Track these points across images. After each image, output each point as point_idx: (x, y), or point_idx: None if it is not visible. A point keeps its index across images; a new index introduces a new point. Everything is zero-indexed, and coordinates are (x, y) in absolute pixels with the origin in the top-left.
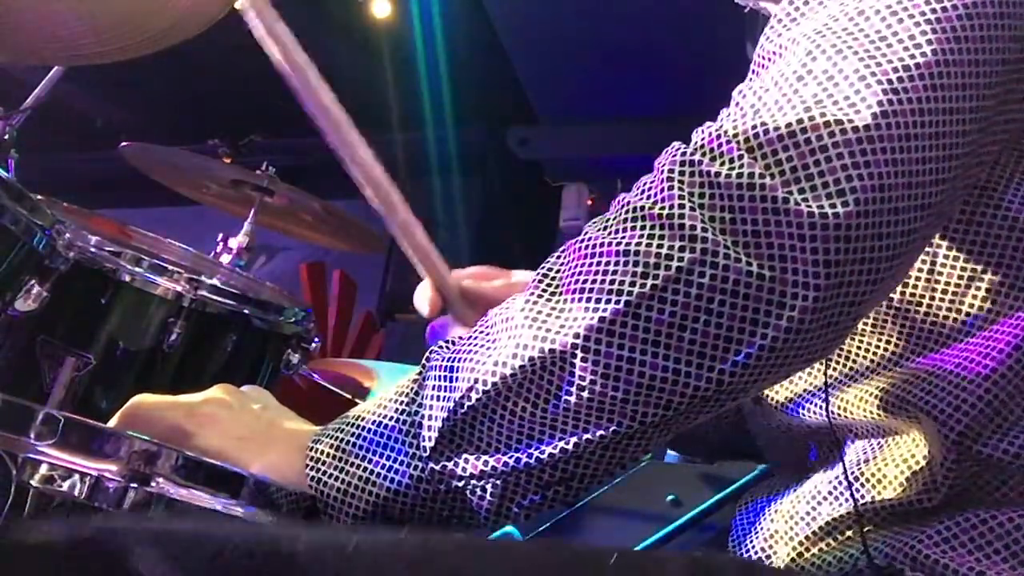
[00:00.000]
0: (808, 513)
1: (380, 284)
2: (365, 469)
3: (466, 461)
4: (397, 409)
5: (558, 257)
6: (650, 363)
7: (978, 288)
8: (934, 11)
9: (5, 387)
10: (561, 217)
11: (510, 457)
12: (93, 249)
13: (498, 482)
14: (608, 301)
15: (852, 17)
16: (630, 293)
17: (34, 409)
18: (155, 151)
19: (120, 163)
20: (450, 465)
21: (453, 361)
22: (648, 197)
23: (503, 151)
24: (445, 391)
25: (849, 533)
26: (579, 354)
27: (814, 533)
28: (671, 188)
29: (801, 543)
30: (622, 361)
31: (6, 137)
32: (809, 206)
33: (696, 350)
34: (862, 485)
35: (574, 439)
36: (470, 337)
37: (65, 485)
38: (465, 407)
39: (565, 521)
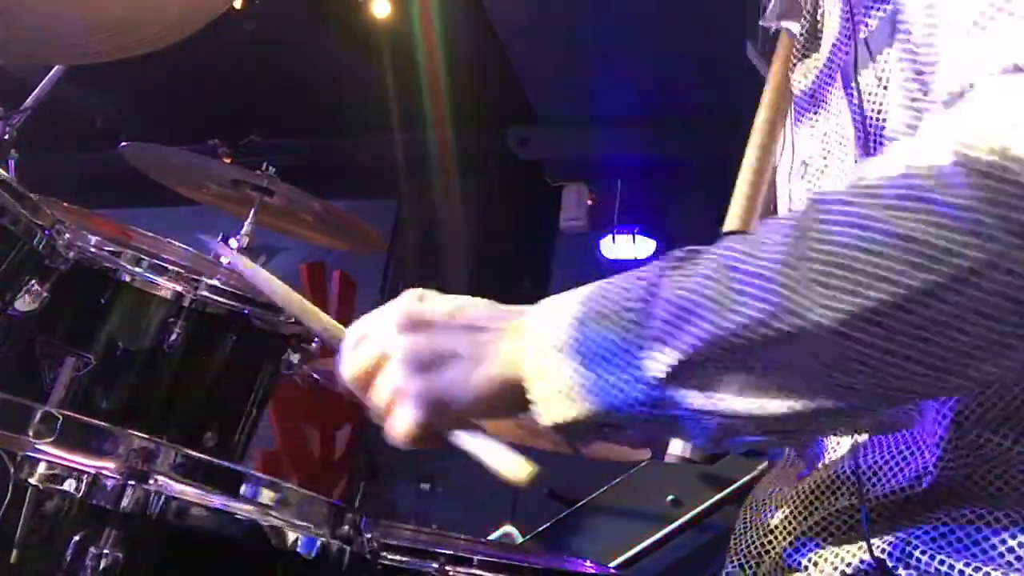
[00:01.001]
0: (806, 507)
1: (380, 284)
2: (577, 378)
3: (694, 397)
4: (620, 323)
5: (803, 214)
6: (903, 365)
7: None
8: None
9: (5, 387)
10: (561, 217)
11: (740, 406)
12: (93, 249)
13: (723, 421)
14: (882, 286)
15: None
16: (911, 281)
17: (32, 407)
18: (155, 151)
19: (120, 163)
20: (677, 397)
21: (690, 298)
22: (931, 180)
23: (503, 151)
24: (682, 327)
25: (845, 528)
26: (839, 340)
27: (811, 528)
28: (959, 176)
29: (797, 538)
30: (876, 352)
31: (6, 137)
32: None
33: (960, 354)
34: (860, 477)
35: (808, 405)
36: (713, 274)
37: (63, 483)
38: (705, 354)
39: (565, 521)
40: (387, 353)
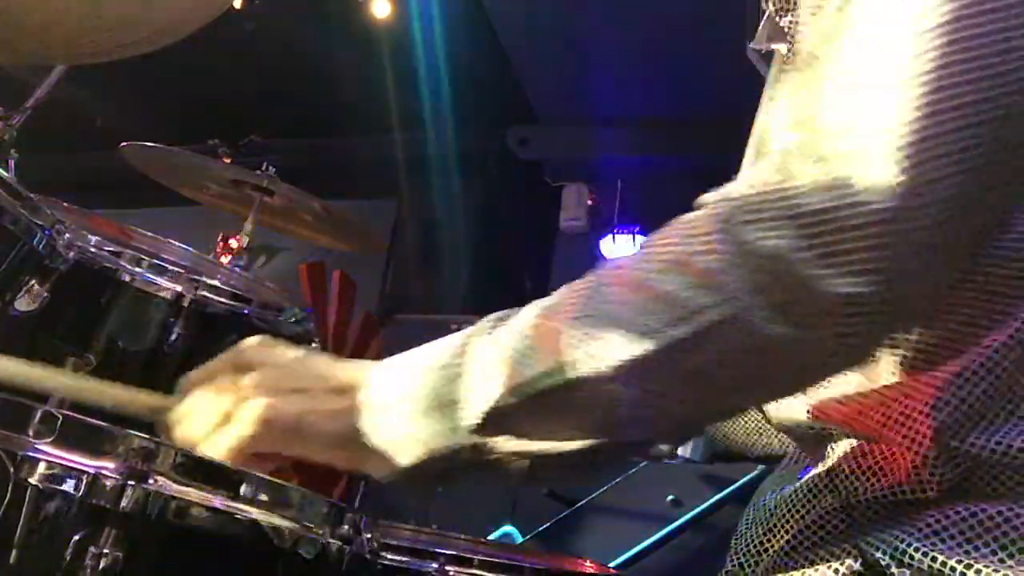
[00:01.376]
0: (803, 506)
1: (380, 284)
2: (407, 428)
3: (504, 442)
4: (440, 381)
5: (600, 275)
6: (677, 399)
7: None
8: (930, 79)
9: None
10: (561, 217)
11: (545, 445)
12: (93, 249)
13: (534, 461)
14: (645, 341)
15: (857, 93)
16: (669, 336)
17: (32, 407)
18: (155, 151)
19: (120, 163)
20: (488, 442)
21: (494, 355)
22: (693, 247)
23: (503, 151)
24: (487, 381)
25: (842, 527)
26: (613, 384)
27: (807, 527)
28: (713, 243)
29: (794, 536)
30: (651, 395)
31: (6, 137)
32: (835, 284)
33: (719, 392)
34: (857, 478)
35: (596, 441)
36: (516, 331)
37: (63, 483)
38: (506, 403)
39: (565, 521)
40: (237, 382)
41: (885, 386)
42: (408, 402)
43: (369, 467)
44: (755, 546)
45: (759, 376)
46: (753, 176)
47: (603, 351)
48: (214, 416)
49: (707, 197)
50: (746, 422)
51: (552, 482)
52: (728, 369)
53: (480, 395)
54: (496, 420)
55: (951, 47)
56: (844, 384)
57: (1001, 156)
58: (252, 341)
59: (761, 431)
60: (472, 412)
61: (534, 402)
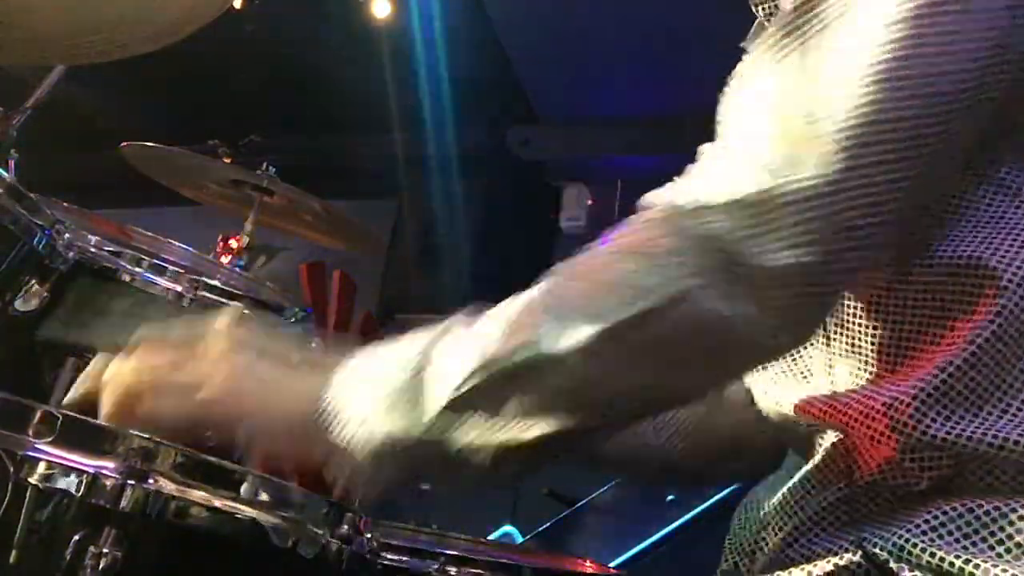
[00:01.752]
0: (798, 502)
1: (380, 284)
2: (369, 424)
3: (465, 433)
4: (402, 374)
5: (560, 271)
6: (629, 376)
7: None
8: (877, 71)
9: (5, 387)
10: (561, 217)
11: (503, 435)
12: (93, 249)
13: (490, 453)
14: (600, 320)
15: (804, 84)
16: (621, 316)
17: (32, 407)
18: (155, 151)
19: (120, 163)
20: (450, 433)
21: (461, 344)
22: (643, 236)
23: (503, 151)
24: (452, 370)
25: (838, 524)
26: (570, 363)
27: (802, 523)
28: (663, 231)
29: (790, 533)
30: (606, 374)
31: (6, 137)
32: (773, 262)
33: (671, 372)
34: (845, 473)
35: (559, 426)
36: (481, 323)
37: (63, 482)
38: (467, 388)
39: (565, 521)
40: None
41: (869, 380)
42: (371, 396)
43: (331, 464)
44: (750, 544)
45: (708, 355)
46: (699, 170)
47: (564, 332)
48: (165, 367)
49: (652, 197)
50: (720, 439)
51: (511, 478)
52: (678, 348)
53: (443, 385)
54: (459, 408)
55: (906, 46)
56: (830, 381)
57: (939, 154)
58: (229, 316)
59: (736, 452)
60: (435, 402)
61: (496, 386)
